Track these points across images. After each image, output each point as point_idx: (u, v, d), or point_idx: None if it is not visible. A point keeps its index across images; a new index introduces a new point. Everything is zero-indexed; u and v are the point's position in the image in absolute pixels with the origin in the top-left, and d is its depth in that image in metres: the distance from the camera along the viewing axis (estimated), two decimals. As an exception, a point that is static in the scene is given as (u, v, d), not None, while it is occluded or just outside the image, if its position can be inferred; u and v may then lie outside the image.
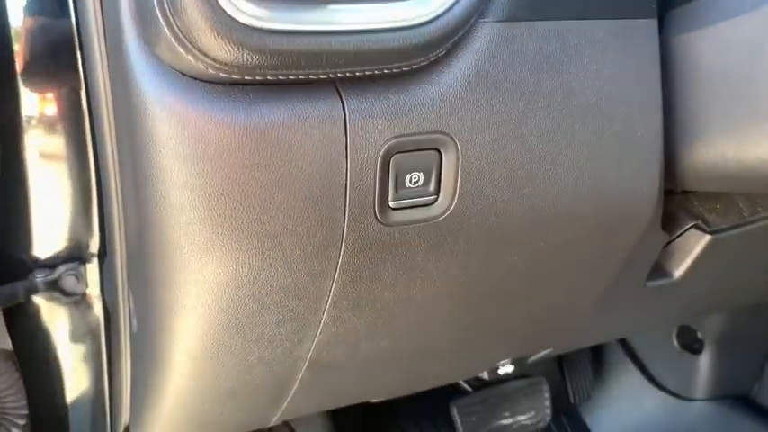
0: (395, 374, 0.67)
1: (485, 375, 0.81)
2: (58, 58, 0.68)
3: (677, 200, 0.71)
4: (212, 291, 0.48)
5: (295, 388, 0.60)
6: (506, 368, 0.81)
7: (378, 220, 0.47)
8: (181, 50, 0.38)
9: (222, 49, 0.38)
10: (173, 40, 0.38)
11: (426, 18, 0.42)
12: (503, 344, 0.74)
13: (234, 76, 0.40)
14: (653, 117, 0.54)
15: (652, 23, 0.54)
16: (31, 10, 0.69)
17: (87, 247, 0.74)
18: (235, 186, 0.43)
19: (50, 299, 0.76)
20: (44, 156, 0.74)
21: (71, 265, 0.75)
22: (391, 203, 0.47)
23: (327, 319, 0.52)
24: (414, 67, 0.44)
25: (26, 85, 0.71)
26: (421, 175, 0.47)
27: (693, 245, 0.72)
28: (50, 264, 0.75)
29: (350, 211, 0.45)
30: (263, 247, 0.46)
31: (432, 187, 0.47)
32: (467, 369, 0.78)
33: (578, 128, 0.51)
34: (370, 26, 0.41)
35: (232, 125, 0.41)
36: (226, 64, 0.39)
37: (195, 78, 0.40)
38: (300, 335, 0.53)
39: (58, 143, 0.72)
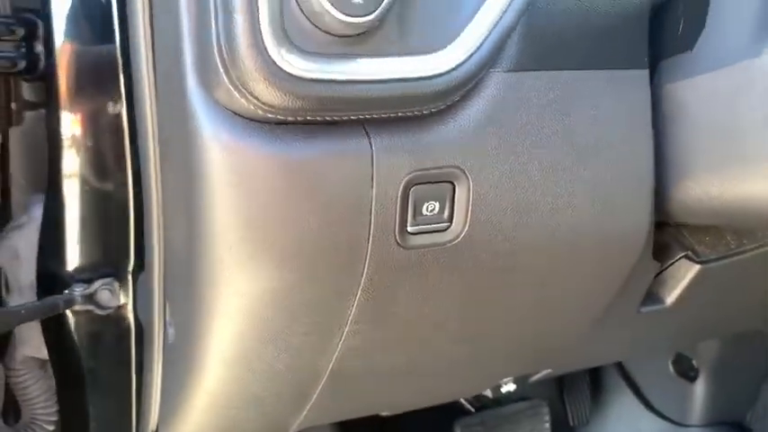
0: (407, 388, 0.72)
1: (488, 393, 0.87)
2: (102, 83, 0.74)
3: (669, 231, 0.77)
4: (251, 302, 0.53)
5: (315, 397, 0.65)
6: (509, 387, 0.87)
7: (398, 243, 0.53)
8: (236, 95, 0.45)
9: (272, 95, 0.44)
10: (230, 86, 0.44)
11: (444, 69, 0.49)
12: (505, 362, 0.80)
13: (279, 117, 0.46)
14: (644, 157, 0.61)
15: (644, 74, 0.60)
16: (76, 37, 0.76)
17: (122, 263, 0.80)
18: (275, 211, 0.49)
19: (86, 311, 0.81)
20: (84, 178, 0.80)
21: (106, 280, 0.81)
22: (410, 229, 0.53)
23: (348, 333, 0.58)
24: (432, 110, 0.50)
25: (68, 107, 0.78)
26: (436, 204, 0.53)
27: (684, 273, 0.77)
28: (87, 279, 0.80)
29: (374, 235, 0.51)
30: (296, 265, 0.52)
31: (446, 215, 0.53)
32: (472, 385, 0.83)
33: (577, 165, 0.58)
34: (396, 76, 0.47)
35: (275, 158, 0.48)
36: (273, 107, 0.45)
37: (246, 118, 0.47)
38: (324, 346, 0.59)
39: (97, 166, 0.78)
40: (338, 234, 0.51)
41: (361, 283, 0.54)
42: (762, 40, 0.55)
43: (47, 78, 0.80)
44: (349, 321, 0.57)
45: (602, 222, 0.61)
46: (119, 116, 0.74)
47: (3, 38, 0.78)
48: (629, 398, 1.40)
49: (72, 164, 0.80)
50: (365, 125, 0.49)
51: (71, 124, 0.79)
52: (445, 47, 0.49)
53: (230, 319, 0.55)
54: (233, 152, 0.47)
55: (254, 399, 0.64)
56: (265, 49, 0.43)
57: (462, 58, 0.49)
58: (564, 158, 0.57)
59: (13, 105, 0.86)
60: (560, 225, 0.59)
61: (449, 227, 0.54)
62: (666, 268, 0.78)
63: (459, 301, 0.59)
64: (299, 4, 0.43)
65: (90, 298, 0.80)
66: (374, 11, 0.44)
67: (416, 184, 0.51)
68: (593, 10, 0.58)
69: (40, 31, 0.79)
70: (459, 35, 0.49)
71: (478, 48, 0.49)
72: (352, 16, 0.43)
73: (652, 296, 0.79)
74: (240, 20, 0.42)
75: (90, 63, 0.76)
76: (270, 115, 0.46)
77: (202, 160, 0.48)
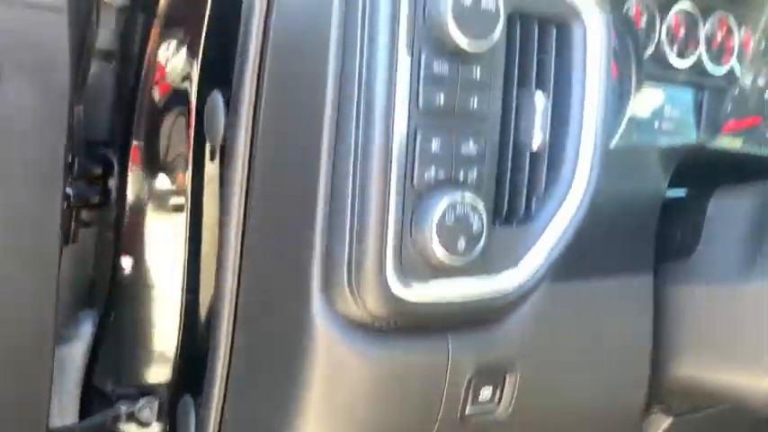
0: None
1: None
2: (168, 222, 0.80)
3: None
4: None
5: None
6: None
7: (458, 421, 0.63)
8: (354, 308, 0.55)
9: (383, 311, 0.55)
10: (352, 302, 0.55)
11: (512, 288, 0.60)
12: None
13: (383, 325, 0.57)
14: (645, 348, 0.74)
15: (649, 277, 0.74)
16: (149, 177, 0.83)
17: (165, 385, 0.86)
18: (362, 394, 0.59)
19: (127, 428, 0.87)
20: (138, 305, 0.87)
21: (148, 398, 0.86)
22: (467, 409, 0.63)
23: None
24: (496, 317, 0.62)
25: (130, 237, 0.85)
26: (490, 389, 0.64)
27: (659, 424, 0.91)
28: (130, 395, 0.86)
29: (441, 417, 0.61)
30: (374, 436, 0.61)
31: (497, 398, 0.64)
32: None
33: (595, 355, 0.70)
34: (475, 297, 0.59)
35: (370, 354, 0.58)
36: (380, 318, 0.56)
37: (354, 322, 0.57)
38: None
39: (152, 297, 0.85)
40: (412, 416, 0.61)
41: (424, 454, 0.64)
42: (749, 267, 0.70)
43: (115, 207, 0.87)
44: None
45: (611, 397, 0.74)
46: (179, 262, 0.80)
47: (78, 178, 0.85)
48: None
49: (128, 289, 0.87)
50: (446, 330, 0.60)
51: (131, 251, 0.86)
52: (515, 266, 0.60)
53: None
54: (337, 346, 0.57)
55: None
56: (386, 278, 0.54)
57: (525, 278, 0.61)
58: (585, 349, 0.70)
59: (72, 225, 0.92)
60: (580, 401, 0.71)
61: (498, 407, 0.65)
62: (645, 419, 0.91)
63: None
64: (413, 245, 0.54)
65: (132, 415, 0.86)
66: (472, 252, 0.55)
67: (478, 375, 0.62)
68: (612, 223, 0.71)
69: (115, 170, 0.86)
70: (523, 258, 0.61)
71: (538, 269, 0.62)
72: (455, 256, 0.55)
73: (634, 441, 0.92)
74: (370, 260, 0.53)
75: (159, 205, 0.83)
76: (375, 324, 0.56)
77: (309, 348, 0.57)
